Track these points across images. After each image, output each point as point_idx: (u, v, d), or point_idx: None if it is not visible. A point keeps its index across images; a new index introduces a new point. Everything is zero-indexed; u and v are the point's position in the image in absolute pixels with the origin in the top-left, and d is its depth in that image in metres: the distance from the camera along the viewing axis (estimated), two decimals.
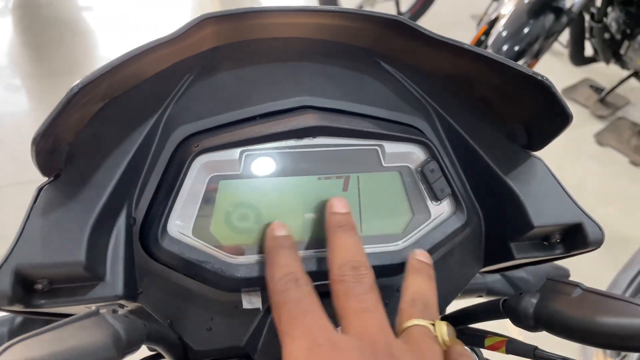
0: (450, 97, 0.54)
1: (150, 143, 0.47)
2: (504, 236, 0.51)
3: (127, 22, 3.76)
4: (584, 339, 0.40)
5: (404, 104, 0.53)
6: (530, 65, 2.17)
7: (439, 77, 0.53)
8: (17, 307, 0.40)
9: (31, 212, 0.41)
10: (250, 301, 0.49)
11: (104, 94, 0.44)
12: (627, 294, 1.51)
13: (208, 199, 0.47)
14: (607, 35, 2.67)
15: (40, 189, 0.43)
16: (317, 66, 0.53)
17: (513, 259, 0.51)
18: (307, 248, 0.49)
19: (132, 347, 0.36)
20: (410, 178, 0.51)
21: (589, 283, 0.44)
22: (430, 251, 0.51)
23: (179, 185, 0.45)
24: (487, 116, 0.53)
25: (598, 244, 0.49)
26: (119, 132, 0.46)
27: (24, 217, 0.41)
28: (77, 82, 0.37)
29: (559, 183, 0.51)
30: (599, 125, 3.02)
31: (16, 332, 0.57)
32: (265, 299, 0.49)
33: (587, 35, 2.81)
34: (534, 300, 0.43)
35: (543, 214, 0.49)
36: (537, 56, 2.20)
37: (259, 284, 0.48)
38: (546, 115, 0.48)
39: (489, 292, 0.70)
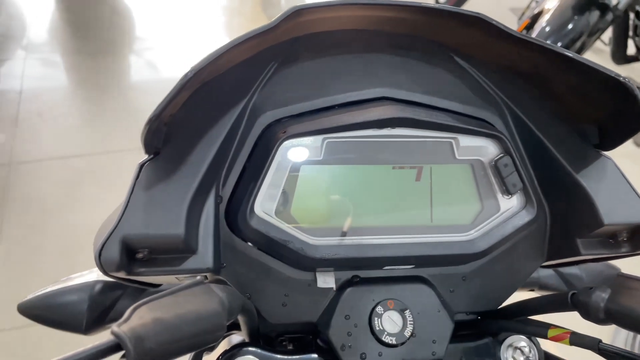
0: (523, 93, 0.55)
1: (238, 127, 0.50)
2: (571, 232, 0.53)
3: (164, 3, 3.81)
4: None
5: (477, 99, 0.55)
6: None
7: (513, 73, 0.54)
8: (121, 273, 0.43)
9: (135, 186, 0.44)
10: (325, 280, 0.51)
11: (201, 79, 0.47)
12: None
13: (290, 183, 0.50)
14: None
15: (142, 166, 0.46)
16: (395, 59, 0.54)
17: (579, 254, 0.52)
18: (378, 234, 0.52)
19: (233, 315, 0.39)
20: (482, 171, 0.53)
21: None
22: (498, 244, 0.53)
23: (267, 168, 0.48)
24: (560, 114, 0.54)
25: None
26: (210, 115, 0.49)
27: (128, 190, 0.44)
28: (190, 68, 0.40)
29: (628, 183, 0.52)
30: None
31: (96, 297, 0.60)
32: (338, 279, 0.52)
33: (630, 33, 2.75)
34: (605, 295, 0.45)
35: (613, 213, 0.50)
36: (579, 53, 2.17)
37: (334, 264, 0.50)
38: (622, 117, 0.49)
39: (542, 287, 0.71)
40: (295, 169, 0.50)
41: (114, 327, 0.30)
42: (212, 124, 0.48)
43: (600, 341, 0.48)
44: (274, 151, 0.48)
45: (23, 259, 2.02)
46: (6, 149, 2.51)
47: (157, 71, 3.21)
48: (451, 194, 0.53)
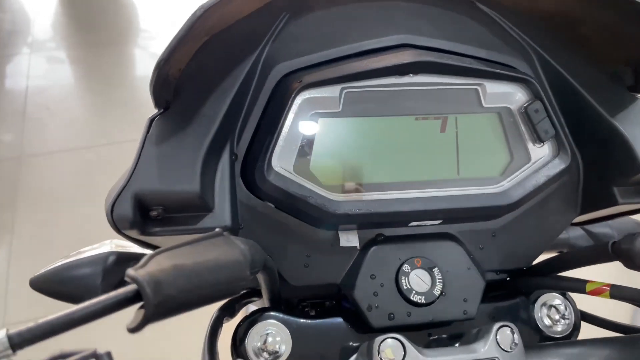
0: (551, 37, 0.52)
1: (250, 80, 0.47)
2: (607, 181, 0.50)
3: None
4: None
5: (503, 44, 0.52)
6: None
7: (538, 17, 0.51)
8: (134, 232, 0.41)
9: (145, 141, 0.42)
10: (348, 239, 0.49)
11: (209, 28, 0.44)
12: None
13: (308, 137, 0.47)
14: None
15: (152, 120, 0.43)
16: (414, 6, 0.51)
17: (617, 203, 0.49)
18: (401, 189, 0.49)
19: (256, 269, 0.36)
20: (511, 119, 0.50)
21: None
22: (531, 195, 0.50)
23: (283, 120, 0.45)
24: (591, 57, 0.51)
25: None
26: (221, 68, 0.46)
27: (139, 146, 0.42)
28: (199, 6, 0.37)
29: None
30: None
31: (110, 269, 0.58)
32: (362, 238, 0.49)
33: None
34: None
35: None
36: None
37: (357, 221, 0.48)
38: None
39: (572, 247, 0.68)
40: (312, 122, 0.47)
41: (130, 270, 0.28)
42: (223, 77, 0.46)
43: None
44: (289, 102, 0.45)
45: (36, 251, 2.01)
46: (16, 143, 2.51)
47: None
48: (479, 145, 0.50)
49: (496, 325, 0.42)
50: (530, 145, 0.50)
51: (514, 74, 0.48)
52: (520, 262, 0.53)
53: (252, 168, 0.46)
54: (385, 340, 0.41)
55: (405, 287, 0.47)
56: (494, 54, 0.51)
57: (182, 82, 0.45)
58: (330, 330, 0.49)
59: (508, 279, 0.55)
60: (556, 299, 0.52)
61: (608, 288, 0.47)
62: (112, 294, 0.28)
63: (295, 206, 0.46)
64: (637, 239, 0.43)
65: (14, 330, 0.27)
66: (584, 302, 0.52)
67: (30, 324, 0.28)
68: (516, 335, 0.42)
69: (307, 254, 0.49)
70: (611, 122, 0.49)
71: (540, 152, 0.50)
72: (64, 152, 2.50)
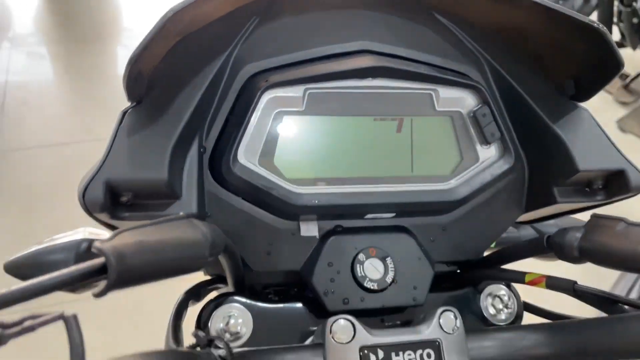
0: (502, 49, 0.56)
1: (219, 79, 0.51)
2: (548, 181, 0.54)
3: None
4: (628, 267, 0.43)
5: (457, 53, 0.56)
6: None
7: (492, 29, 0.55)
8: (105, 216, 0.44)
9: (117, 131, 0.45)
10: (308, 229, 0.52)
11: (181, 29, 0.48)
12: None
13: (273, 133, 0.50)
14: (635, 20, 2.65)
15: (124, 113, 0.46)
16: (375, 14, 0.55)
17: (555, 202, 0.54)
18: (358, 183, 0.53)
19: (216, 251, 0.39)
20: (461, 122, 0.54)
21: None
22: (477, 192, 0.54)
23: (249, 116, 0.49)
24: (538, 68, 0.55)
25: (639, 189, 0.52)
26: (192, 67, 0.49)
27: (111, 135, 0.45)
28: (170, 8, 0.40)
29: (603, 132, 0.54)
30: (621, 112, 3.00)
31: (82, 256, 0.61)
32: (322, 228, 0.53)
33: (615, 19, 2.78)
34: (579, 234, 0.46)
35: (588, 159, 0.51)
36: None
37: (317, 211, 0.51)
38: (597, 65, 0.51)
39: None
40: (277, 119, 0.51)
41: (97, 243, 0.31)
42: (193, 75, 0.49)
43: (575, 282, 0.49)
44: (256, 100, 0.49)
45: (12, 246, 2.00)
46: None
47: None
48: (431, 145, 0.54)
49: (440, 310, 0.46)
50: (478, 147, 0.54)
51: (465, 81, 0.53)
52: (468, 254, 0.57)
53: (219, 160, 0.49)
54: (337, 321, 0.44)
55: (359, 275, 0.51)
56: (448, 61, 0.55)
57: (154, 78, 0.48)
58: (289, 314, 0.52)
59: (458, 271, 0.59)
60: (501, 290, 0.56)
61: (544, 279, 0.51)
62: (81, 265, 0.31)
63: (260, 197, 0.50)
64: (568, 233, 0.47)
65: None
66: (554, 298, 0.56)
67: (3, 290, 0.31)
68: (458, 320, 0.46)
69: (269, 242, 0.52)
70: (553, 128, 0.53)
71: (488, 153, 0.55)
72: (42, 148, 2.49)
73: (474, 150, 0.54)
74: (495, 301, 0.56)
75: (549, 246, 0.49)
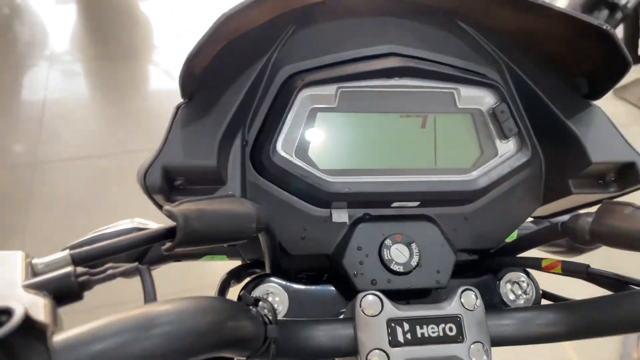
0: (520, 52, 0.60)
1: (260, 79, 0.56)
2: (563, 173, 0.58)
3: (180, 14, 3.93)
4: (636, 247, 0.46)
5: (477, 56, 0.61)
6: None
7: (511, 34, 0.60)
8: (160, 198, 0.50)
9: (173, 124, 0.51)
10: (339, 216, 0.57)
11: (228, 34, 0.53)
12: None
13: (308, 128, 0.56)
14: None
15: (178, 107, 0.52)
16: (402, 21, 0.60)
17: (570, 193, 0.57)
18: (385, 174, 0.57)
19: (261, 226, 0.45)
20: (481, 119, 0.59)
21: None
22: (496, 183, 0.58)
23: (287, 113, 0.54)
24: (553, 69, 0.60)
25: None
26: (237, 68, 0.55)
27: (167, 127, 0.51)
28: (222, 13, 0.46)
29: (615, 127, 0.57)
30: None
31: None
32: (352, 216, 0.58)
33: None
34: (590, 219, 0.50)
35: (600, 152, 0.55)
36: None
37: (347, 199, 0.56)
38: (607, 65, 0.55)
39: None
40: (312, 115, 0.56)
41: (167, 206, 0.36)
42: (238, 75, 0.55)
43: (588, 266, 0.53)
44: (293, 97, 0.54)
45: (48, 253, 2.09)
46: (31, 150, 2.62)
47: (174, 78, 3.30)
48: (453, 140, 0.59)
49: (461, 288, 0.50)
50: (497, 142, 0.59)
51: (484, 80, 0.57)
52: (489, 243, 0.61)
53: (259, 152, 0.55)
54: (366, 296, 0.49)
55: (386, 258, 0.55)
56: (469, 63, 0.60)
57: (204, 77, 0.54)
58: (322, 295, 0.57)
59: (478, 259, 0.63)
60: (520, 277, 0.60)
61: (559, 264, 0.55)
62: (151, 229, 0.37)
63: (296, 185, 0.55)
64: (580, 217, 0.51)
65: (75, 251, 0.36)
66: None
67: (87, 247, 0.37)
68: (479, 300, 0.50)
69: (304, 228, 0.57)
70: (567, 124, 0.57)
71: (506, 147, 0.59)
72: (78, 160, 2.60)
73: (493, 145, 0.59)
74: (514, 287, 0.60)
75: (563, 231, 0.52)
